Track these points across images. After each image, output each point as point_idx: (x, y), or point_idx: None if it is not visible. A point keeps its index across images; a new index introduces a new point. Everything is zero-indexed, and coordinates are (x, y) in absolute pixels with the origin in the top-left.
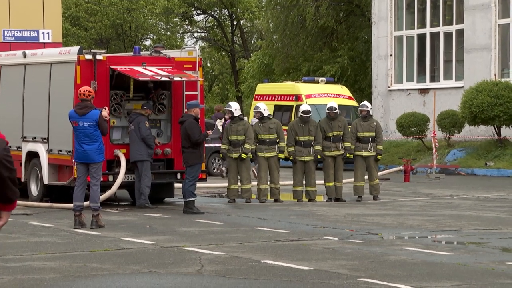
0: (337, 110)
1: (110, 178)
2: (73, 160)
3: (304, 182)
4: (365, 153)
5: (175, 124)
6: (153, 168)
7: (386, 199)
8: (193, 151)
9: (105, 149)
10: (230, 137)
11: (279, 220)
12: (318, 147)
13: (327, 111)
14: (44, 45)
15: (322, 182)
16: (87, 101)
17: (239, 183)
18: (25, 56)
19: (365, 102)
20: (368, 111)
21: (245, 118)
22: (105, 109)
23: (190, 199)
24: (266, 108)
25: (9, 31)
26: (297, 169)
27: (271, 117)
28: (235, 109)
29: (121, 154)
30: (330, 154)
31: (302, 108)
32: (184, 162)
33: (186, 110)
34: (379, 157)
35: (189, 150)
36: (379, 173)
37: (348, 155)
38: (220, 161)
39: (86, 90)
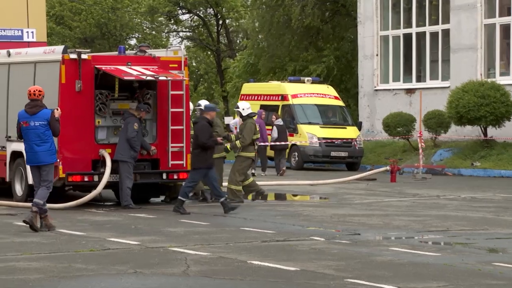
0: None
1: (96, 178)
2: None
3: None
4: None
5: (160, 123)
6: (138, 168)
7: (372, 200)
8: (200, 153)
9: (90, 149)
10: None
11: (265, 220)
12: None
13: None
14: (29, 44)
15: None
16: (37, 101)
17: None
18: (9, 55)
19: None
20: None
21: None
22: (57, 109)
23: (182, 198)
24: (246, 107)
25: None
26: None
27: (254, 115)
28: (243, 109)
29: (106, 154)
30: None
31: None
32: (191, 164)
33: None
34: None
35: (196, 152)
36: (366, 173)
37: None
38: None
39: (36, 90)
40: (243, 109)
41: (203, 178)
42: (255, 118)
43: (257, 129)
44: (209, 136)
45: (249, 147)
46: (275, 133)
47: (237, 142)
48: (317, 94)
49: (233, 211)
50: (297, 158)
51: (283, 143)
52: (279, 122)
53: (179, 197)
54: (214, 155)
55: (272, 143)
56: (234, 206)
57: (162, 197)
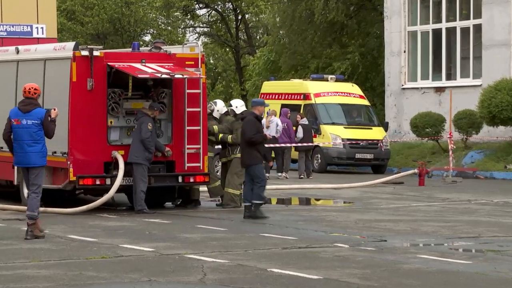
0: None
1: (108, 181)
2: (13, 166)
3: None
4: None
5: (176, 124)
6: (152, 170)
7: (400, 204)
8: (249, 151)
9: (102, 150)
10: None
11: (286, 226)
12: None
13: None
14: (38, 40)
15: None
16: (32, 99)
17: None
18: (18, 52)
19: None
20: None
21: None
22: (55, 109)
23: (258, 201)
24: (240, 104)
25: (1, 26)
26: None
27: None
28: (236, 106)
29: (119, 156)
30: None
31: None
32: (242, 163)
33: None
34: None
35: (245, 149)
36: (392, 176)
37: None
38: None
39: (32, 88)
40: (236, 107)
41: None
42: (276, 117)
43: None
44: (256, 131)
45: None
46: (300, 133)
47: (229, 138)
48: (341, 93)
49: (259, 219)
50: (320, 160)
51: (309, 144)
52: (304, 121)
53: (255, 201)
54: (239, 154)
55: (298, 144)
56: (261, 215)
57: (178, 201)
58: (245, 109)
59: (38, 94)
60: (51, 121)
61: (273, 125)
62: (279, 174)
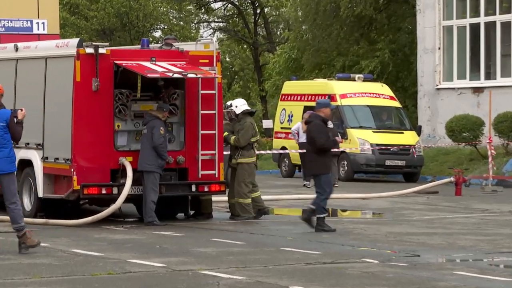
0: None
1: (115, 190)
2: None
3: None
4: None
5: (189, 128)
6: (163, 179)
7: (434, 216)
8: (317, 158)
9: (109, 156)
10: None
11: (309, 239)
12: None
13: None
14: (39, 37)
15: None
16: None
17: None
18: (16, 49)
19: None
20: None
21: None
22: (22, 109)
23: (320, 215)
24: (240, 103)
25: None
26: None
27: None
28: (236, 106)
29: (127, 163)
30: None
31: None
32: (308, 172)
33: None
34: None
35: (313, 157)
36: (426, 185)
37: None
38: None
39: None
40: (236, 106)
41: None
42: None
43: (256, 130)
44: (327, 136)
45: (249, 151)
46: None
47: (232, 139)
48: (370, 93)
49: (325, 232)
50: (346, 168)
51: (335, 149)
52: (330, 125)
53: (318, 216)
54: (242, 159)
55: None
56: (328, 229)
57: (191, 213)
58: (247, 108)
59: (1, 93)
60: (17, 123)
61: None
62: (306, 182)
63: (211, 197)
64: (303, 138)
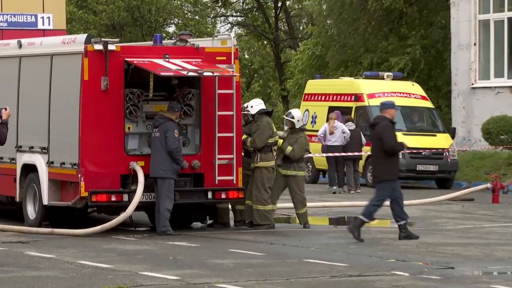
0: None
1: (125, 197)
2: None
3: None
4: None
5: (205, 130)
6: (177, 185)
7: (470, 225)
8: (386, 161)
9: (119, 161)
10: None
11: (334, 250)
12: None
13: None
14: (44, 32)
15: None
16: None
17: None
18: (20, 46)
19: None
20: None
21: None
22: (6, 109)
23: (364, 218)
24: (255, 103)
25: (1, 16)
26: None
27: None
28: (251, 106)
29: (138, 168)
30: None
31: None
32: (374, 177)
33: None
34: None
35: (381, 160)
36: (461, 192)
37: None
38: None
39: None
40: (252, 106)
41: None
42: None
43: (274, 131)
44: (395, 139)
45: (267, 154)
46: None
47: (248, 141)
48: (400, 93)
49: (408, 236)
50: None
51: (356, 153)
52: (351, 126)
53: (361, 217)
54: (261, 163)
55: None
56: (410, 234)
57: (208, 222)
58: (263, 107)
59: None
60: (2, 124)
61: (338, 131)
62: (334, 187)
63: (228, 205)
64: (331, 141)
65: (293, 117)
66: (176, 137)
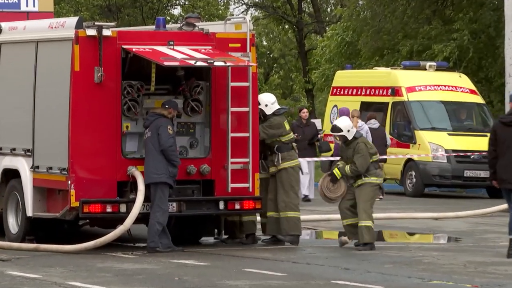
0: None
1: (123, 208)
2: None
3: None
4: None
5: (215, 129)
6: (184, 193)
7: None
8: None
9: (115, 166)
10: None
11: (368, 270)
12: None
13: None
14: (28, 15)
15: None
16: None
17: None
18: (0, 31)
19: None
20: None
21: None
22: None
23: None
24: (271, 101)
25: None
26: None
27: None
28: (266, 105)
29: (137, 173)
30: None
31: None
32: (500, 182)
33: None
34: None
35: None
36: None
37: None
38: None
39: None
40: (266, 105)
41: None
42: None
43: (287, 128)
44: None
45: (289, 153)
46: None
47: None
48: (444, 86)
49: None
50: (414, 180)
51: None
52: (374, 124)
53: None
54: (285, 164)
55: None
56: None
57: (222, 237)
58: (278, 107)
59: None
60: None
61: (362, 132)
62: None
63: (255, 216)
64: None
65: (341, 130)
66: (170, 133)
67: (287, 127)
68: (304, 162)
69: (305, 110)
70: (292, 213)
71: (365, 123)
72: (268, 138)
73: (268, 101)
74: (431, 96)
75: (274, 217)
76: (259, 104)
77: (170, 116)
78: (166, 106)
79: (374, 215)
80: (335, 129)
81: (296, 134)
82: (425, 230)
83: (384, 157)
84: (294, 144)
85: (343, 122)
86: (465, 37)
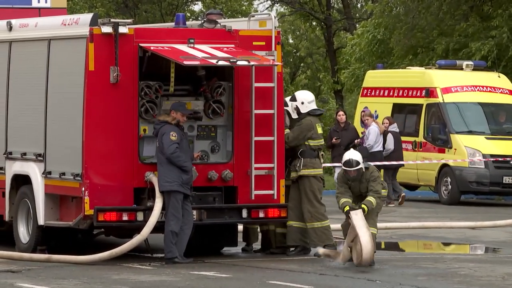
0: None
1: (140, 216)
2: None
3: None
4: None
5: (238, 133)
6: (204, 200)
7: None
8: None
9: (131, 171)
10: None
11: (400, 283)
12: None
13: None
14: (40, 11)
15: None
16: None
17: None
18: (10, 28)
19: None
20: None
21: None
22: None
23: None
24: (308, 100)
25: None
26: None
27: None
28: (302, 102)
29: (155, 180)
30: None
31: (344, 158)
32: None
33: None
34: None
35: None
36: None
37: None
38: None
39: None
40: (302, 103)
41: None
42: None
43: (319, 132)
44: None
45: (313, 160)
46: (391, 144)
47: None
48: (482, 87)
49: None
50: (450, 186)
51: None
52: (394, 127)
53: None
54: (305, 171)
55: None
56: None
57: (255, 247)
58: (315, 107)
59: None
60: None
61: (371, 133)
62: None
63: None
64: (378, 146)
65: (358, 163)
66: (173, 140)
67: (319, 130)
68: (337, 170)
69: (341, 112)
70: (318, 223)
71: (387, 127)
72: (292, 140)
73: (305, 99)
74: (468, 97)
75: (294, 227)
76: (295, 100)
77: (174, 122)
78: (170, 110)
79: (410, 224)
80: (352, 163)
81: (335, 138)
82: (461, 240)
83: (402, 163)
84: (321, 153)
85: (357, 154)
86: (505, 35)
